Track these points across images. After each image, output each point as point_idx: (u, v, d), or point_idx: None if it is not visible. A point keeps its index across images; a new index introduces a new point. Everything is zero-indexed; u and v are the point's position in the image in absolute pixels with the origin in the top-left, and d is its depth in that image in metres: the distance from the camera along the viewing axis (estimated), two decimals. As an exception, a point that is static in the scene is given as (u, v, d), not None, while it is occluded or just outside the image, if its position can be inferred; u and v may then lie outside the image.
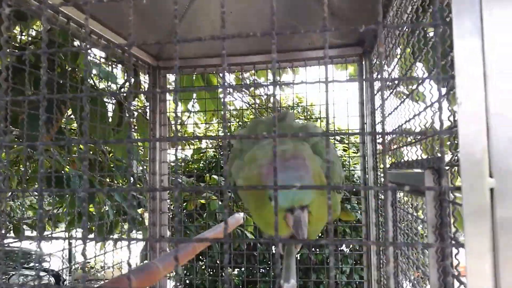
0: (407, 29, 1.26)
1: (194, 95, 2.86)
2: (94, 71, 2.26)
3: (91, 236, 2.74)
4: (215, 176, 4.23)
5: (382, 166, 1.75)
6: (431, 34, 1.12)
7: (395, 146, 1.62)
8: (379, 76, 2.00)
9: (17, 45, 2.39)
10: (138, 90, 2.35)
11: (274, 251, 3.60)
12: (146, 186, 2.51)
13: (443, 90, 0.69)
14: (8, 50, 0.67)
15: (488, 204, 0.52)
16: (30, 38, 2.25)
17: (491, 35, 0.52)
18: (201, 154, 4.90)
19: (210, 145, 4.98)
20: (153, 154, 2.35)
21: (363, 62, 2.16)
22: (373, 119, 2.07)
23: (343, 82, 0.63)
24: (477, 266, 0.52)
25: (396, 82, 1.59)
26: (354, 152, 3.35)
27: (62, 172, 2.45)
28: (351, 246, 4.09)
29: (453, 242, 0.75)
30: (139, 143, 2.48)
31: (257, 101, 4.96)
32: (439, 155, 1.03)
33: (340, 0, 1.94)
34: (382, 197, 1.96)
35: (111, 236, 2.48)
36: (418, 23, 0.51)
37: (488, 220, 0.52)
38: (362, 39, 2.10)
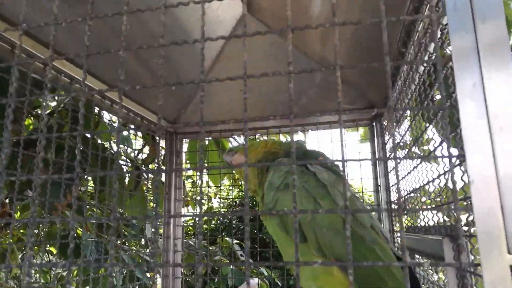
0: (419, 88, 1.30)
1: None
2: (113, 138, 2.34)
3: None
4: (227, 238, 4.17)
5: (399, 233, 1.72)
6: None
7: (410, 206, 1.61)
8: (392, 151, 2.00)
9: (39, 112, 2.51)
10: (157, 154, 2.42)
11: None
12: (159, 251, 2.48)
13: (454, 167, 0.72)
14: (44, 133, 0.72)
15: (509, 281, 0.52)
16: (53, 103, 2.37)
17: (496, 116, 0.56)
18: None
19: (222, 205, 4.97)
20: (167, 218, 2.36)
21: (374, 125, 2.21)
22: (387, 181, 2.08)
23: (356, 161, 0.66)
24: None
25: (408, 143, 1.62)
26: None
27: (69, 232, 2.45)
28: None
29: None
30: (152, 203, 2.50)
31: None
32: (455, 223, 1.03)
33: (351, 70, 2.03)
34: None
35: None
36: (425, 107, 0.55)
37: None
38: (373, 104, 2.17)
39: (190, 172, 4.59)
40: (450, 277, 0.95)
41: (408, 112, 1.60)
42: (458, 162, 0.88)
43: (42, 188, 1.80)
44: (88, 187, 2.86)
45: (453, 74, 0.59)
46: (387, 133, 2.11)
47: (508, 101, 0.56)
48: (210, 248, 4.41)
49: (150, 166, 2.66)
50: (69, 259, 0.61)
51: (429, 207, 1.31)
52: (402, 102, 1.65)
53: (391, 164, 2.05)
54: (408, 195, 1.52)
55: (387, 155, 2.07)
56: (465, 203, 0.85)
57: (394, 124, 1.63)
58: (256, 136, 2.47)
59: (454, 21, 0.60)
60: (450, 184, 0.99)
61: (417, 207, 1.51)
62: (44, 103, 0.77)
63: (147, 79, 1.90)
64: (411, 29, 1.26)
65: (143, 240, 3.16)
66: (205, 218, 5.01)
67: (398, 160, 0.79)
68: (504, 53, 0.58)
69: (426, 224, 1.31)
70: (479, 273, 0.76)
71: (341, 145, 0.58)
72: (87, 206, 2.36)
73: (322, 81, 2.12)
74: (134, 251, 3.10)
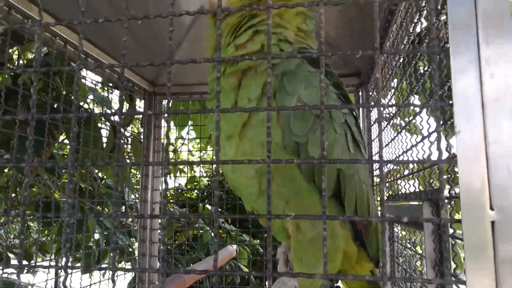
0: (403, 60, 1.26)
1: (190, 122, 2.85)
2: (90, 96, 2.25)
3: (77, 265, 2.65)
4: (208, 206, 4.16)
5: (379, 197, 1.72)
6: (426, 68, 1.12)
7: (392, 179, 1.60)
8: (372, 111, 2.00)
9: (14, 67, 2.39)
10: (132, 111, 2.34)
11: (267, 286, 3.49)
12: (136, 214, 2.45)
13: (440, 120, 0.68)
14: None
15: (489, 238, 0.49)
16: (26, 62, 2.25)
17: (488, 65, 0.51)
18: (195, 183, 4.84)
19: (204, 174, 4.93)
20: (145, 182, 2.31)
21: (360, 93, 2.17)
22: (370, 150, 2.06)
23: (336, 107, 0.61)
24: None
25: (393, 113, 1.59)
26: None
27: (51, 198, 2.39)
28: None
29: (454, 278, 0.72)
30: (133, 170, 2.44)
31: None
32: (437, 186, 1.01)
33: (336, 32, 1.97)
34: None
35: (96, 266, 2.40)
36: (416, 49, 0.51)
37: (490, 255, 0.49)
38: (359, 71, 2.12)
39: (171, 139, 4.51)
40: (427, 242, 0.93)
41: (394, 82, 1.56)
42: (443, 121, 0.85)
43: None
44: (65, 150, 2.78)
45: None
46: (372, 102, 2.07)
47: (500, 48, 0.51)
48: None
49: (128, 128, 2.59)
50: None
51: (410, 171, 1.29)
52: (387, 74, 1.61)
53: (374, 132, 2.03)
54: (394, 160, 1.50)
55: (371, 124, 2.05)
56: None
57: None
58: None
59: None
60: (434, 150, 0.96)
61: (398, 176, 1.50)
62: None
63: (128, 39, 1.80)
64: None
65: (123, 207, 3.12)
66: (188, 186, 4.98)
67: (382, 111, 0.75)
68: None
69: (407, 191, 1.29)
70: (458, 236, 0.73)
71: (320, 88, 0.53)
72: (63, 170, 2.29)
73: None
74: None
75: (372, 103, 1.87)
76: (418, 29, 1.18)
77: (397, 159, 1.42)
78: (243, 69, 0.98)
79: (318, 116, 0.96)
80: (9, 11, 1.32)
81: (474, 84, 0.52)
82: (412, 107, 1.26)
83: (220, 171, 1.21)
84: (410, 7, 1.23)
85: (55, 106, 1.89)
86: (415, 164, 1.27)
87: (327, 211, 0.52)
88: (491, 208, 0.50)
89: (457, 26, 0.54)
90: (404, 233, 1.56)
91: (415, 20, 1.14)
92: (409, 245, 1.36)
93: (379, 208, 1.29)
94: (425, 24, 1.12)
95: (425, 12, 1.06)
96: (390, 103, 1.68)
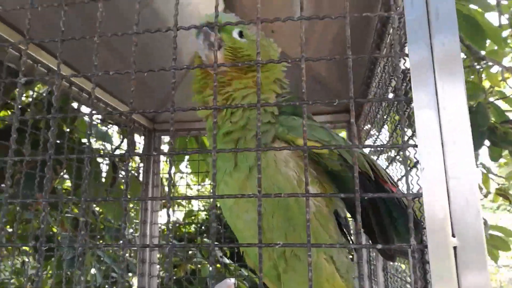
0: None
1: (187, 157, 2.93)
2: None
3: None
4: (206, 240, 4.16)
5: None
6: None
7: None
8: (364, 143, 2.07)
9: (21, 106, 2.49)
10: (133, 151, 2.42)
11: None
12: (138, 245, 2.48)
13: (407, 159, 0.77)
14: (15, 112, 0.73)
15: (453, 263, 0.56)
16: (30, 99, 2.35)
17: (445, 108, 0.60)
18: (193, 217, 4.85)
19: (202, 208, 4.96)
20: (144, 216, 2.35)
21: (352, 128, 2.27)
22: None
23: (322, 148, 0.70)
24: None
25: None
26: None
27: (49, 232, 2.43)
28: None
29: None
30: (131, 205, 2.49)
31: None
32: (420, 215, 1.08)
33: (326, 71, 2.09)
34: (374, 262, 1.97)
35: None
36: (384, 98, 0.59)
37: (455, 278, 0.56)
38: (348, 108, 2.22)
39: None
40: (412, 269, 0.99)
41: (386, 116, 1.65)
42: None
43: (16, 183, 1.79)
44: (64, 184, 2.83)
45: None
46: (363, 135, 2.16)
47: (453, 91, 0.60)
48: (189, 251, 4.40)
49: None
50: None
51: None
52: (377, 107, 1.71)
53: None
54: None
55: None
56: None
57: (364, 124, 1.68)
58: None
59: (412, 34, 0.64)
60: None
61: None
62: (19, 89, 0.79)
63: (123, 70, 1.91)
64: (383, 31, 1.31)
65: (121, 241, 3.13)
66: (185, 221, 4.98)
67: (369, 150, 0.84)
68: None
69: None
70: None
71: (303, 132, 0.61)
72: (64, 203, 2.34)
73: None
74: (111, 250, 3.08)
75: (363, 140, 1.94)
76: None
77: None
78: (236, 138, 1.10)
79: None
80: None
81: (434, 127, 0.61)
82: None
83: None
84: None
85: (59, 142, 1.97)
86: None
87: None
88: (453, 235, 0.57)
89: (417, 69, 0.63)
90: (403, 266, 1.61)
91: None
92: (399, 275, 1.41)
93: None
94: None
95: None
96: (383, 135, 1.76)
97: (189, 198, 0.67)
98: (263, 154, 1.03)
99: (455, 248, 0.57)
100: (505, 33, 2.90)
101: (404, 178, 0.60)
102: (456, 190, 0.58)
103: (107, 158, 2.56)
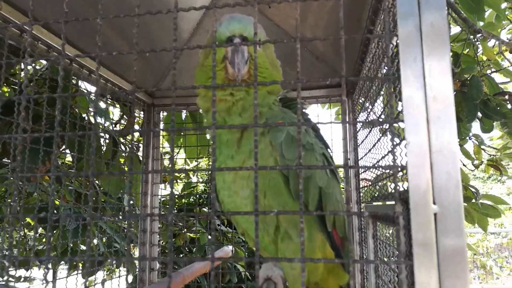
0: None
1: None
2: (90, 108, 2.36)
3: (74, 272, 2.73)
4: (205, 209, 4.27)
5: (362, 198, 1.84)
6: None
7: (372, 182, 1.72)
8: (359, 117, 2.11)
9: (16, 81, 2.50)
10: (133, 126, 2.45)
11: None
12: (139, 216, 2.56)
13: (395, 134, 0.81)
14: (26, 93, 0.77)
15: (433, 228, 0.62)
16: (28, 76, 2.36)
17: (431, 86, 0.64)
18: (191, 189, 4.95)
19: (201, 179, 5.04)
20: (145, 188, 2.42)
21: (347, 101, 2.30)
22: (356, 155, 2.19)
23: (325, 123, 0.74)
24: (425, 278, 0.62)
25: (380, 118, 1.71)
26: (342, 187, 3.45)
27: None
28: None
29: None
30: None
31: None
32: (405, 187, 1.14)
33: (324, 46, 2.10)
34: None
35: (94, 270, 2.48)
36: (374, 77, 0.62)
37: (433, 242, 0.62)
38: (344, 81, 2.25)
39: (168, 148, 4.62)
40: (398, 235, 1.05)
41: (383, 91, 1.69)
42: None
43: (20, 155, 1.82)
44: (66, 159, 2.88)
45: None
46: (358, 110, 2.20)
47: (439, 70, 0.64)
48: (188, 221, 4.51)
49: (127, 138, 2.70)
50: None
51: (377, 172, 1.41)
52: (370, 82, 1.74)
53: (360, 139, 2.15)
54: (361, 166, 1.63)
55: (357, 130, 2.18)
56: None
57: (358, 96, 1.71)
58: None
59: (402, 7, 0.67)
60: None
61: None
62: (23, 67, 0.82)
63: (125, 50, 1.92)
64: (377, 8, 1.33)
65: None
66: (184, 192, 5.08)
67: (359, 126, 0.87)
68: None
69: (386, 192, 1.42)
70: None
71: (297, 109, 0.65)
72: (65, 177, 2.39)
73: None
74: (112, 221, 3.16)
75: (358, 113, 1.96)
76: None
77: (377, 163, 1.55)
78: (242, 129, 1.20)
79: (303, 146, 1.20)
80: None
81: (420, 104, 0.65)
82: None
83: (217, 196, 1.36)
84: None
85: (61, 118, 2.00)
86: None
87: (311, 225, 0.64)
88: (434, 203, 0.63)
89: (406, 44, 0.67)
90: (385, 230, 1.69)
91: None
92: (388, 241, 1.48)
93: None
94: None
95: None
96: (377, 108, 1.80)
97: (190, 171, 0.71)
98: (262, 137, 1.12)
99: (435, 215, 0.62)
100: (502, 6, 2.89)
101: (391, 154, 0.64)
102: (439, 163, 0.63)
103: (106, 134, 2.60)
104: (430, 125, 0.64)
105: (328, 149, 1.37)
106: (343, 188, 2.25)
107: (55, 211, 2.31)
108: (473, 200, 2.98)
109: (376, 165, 1.03)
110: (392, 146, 0.67)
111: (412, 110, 0.65)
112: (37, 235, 3.62)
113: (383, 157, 1.38)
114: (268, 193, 1.16)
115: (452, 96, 0.65)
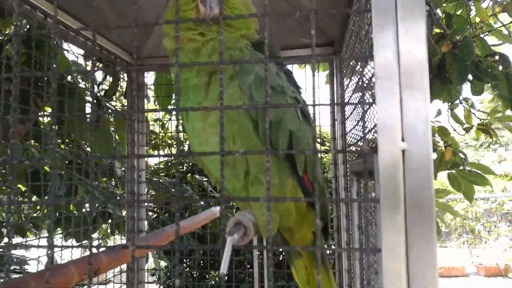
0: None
1: (174, 95, 2.92)
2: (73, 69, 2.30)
3: (69, 240, 2.74)
4: (197, 176, 4.28)
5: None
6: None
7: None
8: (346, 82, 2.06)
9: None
10: (117, 87, 2.40)
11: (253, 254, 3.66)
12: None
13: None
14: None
15: (400, 163, 0.61)
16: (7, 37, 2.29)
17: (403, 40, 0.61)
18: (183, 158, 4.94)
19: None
20: (131, 150, 2.40)
21: (334, 61, 2.26)
22: (343, 115, 2.18)
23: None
24: (392, 219, 0.61)
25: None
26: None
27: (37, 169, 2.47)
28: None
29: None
30: (116, 138, 2.52)
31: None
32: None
33: (311, 4, 2.03)
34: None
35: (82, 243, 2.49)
36: (353, 56, 0.59)
37: (400, 179, 0.61)
38: (333, 40, 2.20)
39: (160, 115, 4.57)
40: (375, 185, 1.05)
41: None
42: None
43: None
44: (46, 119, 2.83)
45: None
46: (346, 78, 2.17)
47: (413, 33, 0.61)
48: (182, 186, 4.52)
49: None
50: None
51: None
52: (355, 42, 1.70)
53: (348, 111, 2.13)
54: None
55: (344, 90, 2.15)
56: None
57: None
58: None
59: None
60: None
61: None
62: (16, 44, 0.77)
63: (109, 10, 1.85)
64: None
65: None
66: (179, 160, 5.07)
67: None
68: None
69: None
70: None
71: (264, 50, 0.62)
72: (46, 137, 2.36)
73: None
74: (104, 187, 3.15)
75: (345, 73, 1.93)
76: None
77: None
78: (211, 71, 1.15)
79: (273, 88, 1.17)
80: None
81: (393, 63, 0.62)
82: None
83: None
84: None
85: (38, 77, 1.95)
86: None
87: (282, 170, 0.61)
88: (403, 140, 0.61)
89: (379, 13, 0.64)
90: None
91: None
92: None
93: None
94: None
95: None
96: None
97: (160, 110, 0.69)
98: (231, 81, 1.09)
99: (404, 151, 0.61)
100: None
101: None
102: (407, 100, 0.61)
103: (91, 96, 2.55)
104: (400, 59, 0.62)
105: (301, 94, 1.34)
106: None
107: (45, 177, 2.28)
108: (461, 167, 2.98)
109: (348, 102, 1.01)
110: (362, 82, 0.65)
111: (385, 76, 0.62)
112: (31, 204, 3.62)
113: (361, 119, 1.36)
114: (238, 138, 1.14)
115: (426, 63, 0.62)
